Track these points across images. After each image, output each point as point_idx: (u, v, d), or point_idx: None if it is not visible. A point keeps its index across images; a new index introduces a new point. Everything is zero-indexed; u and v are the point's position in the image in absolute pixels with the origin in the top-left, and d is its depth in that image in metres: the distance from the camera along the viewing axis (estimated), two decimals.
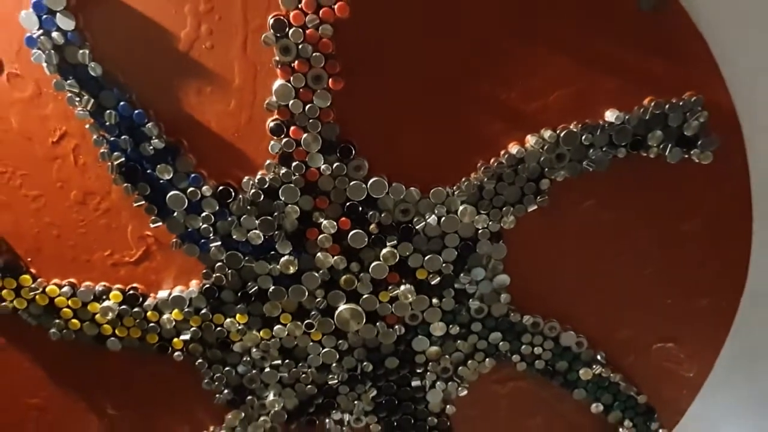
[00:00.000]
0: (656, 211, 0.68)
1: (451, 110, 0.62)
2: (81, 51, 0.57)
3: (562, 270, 0.70)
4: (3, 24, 0.57)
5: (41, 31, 0.56)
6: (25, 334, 0.69)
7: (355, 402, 0.75)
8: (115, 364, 0.71)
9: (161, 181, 0.62)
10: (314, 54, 0.57)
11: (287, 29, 0.57)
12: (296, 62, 0.58)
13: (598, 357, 0.74)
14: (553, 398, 0.77)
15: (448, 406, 0.76)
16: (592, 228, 0.68)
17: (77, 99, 0.58)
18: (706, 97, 0.61)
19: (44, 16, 0.55)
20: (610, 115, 0.62)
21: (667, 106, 0.61)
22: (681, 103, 0.61)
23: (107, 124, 0.59)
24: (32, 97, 0.60)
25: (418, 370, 0.74)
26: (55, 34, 0.56)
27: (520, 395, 0.77)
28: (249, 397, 0.74)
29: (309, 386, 0.73)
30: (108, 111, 0.59)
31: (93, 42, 0.57)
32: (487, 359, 0.73)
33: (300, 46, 0.57)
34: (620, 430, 0.78)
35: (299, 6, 0.56)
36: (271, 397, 0.74)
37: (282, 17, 0.57)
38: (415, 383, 0.74)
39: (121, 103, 0.59)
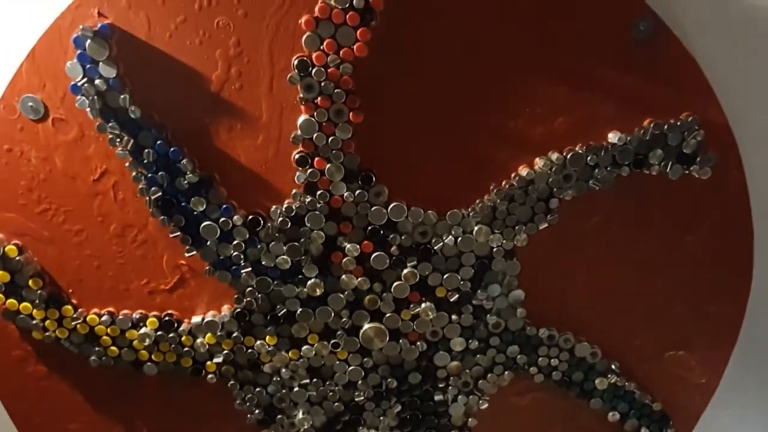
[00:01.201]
0: (661, 225, 0.71)
1: (463, 138, 0.66)
2: (122, 96, 0.61)
3: (574, 284, 0.74)
4: (50, 74, 0.62)
5: (85, 79, 0.61)
6: (66, 362, 0.73)
7: (381, 418, 0.78)
8: (151, 388, 0.75)
9: (195, 213, 0.66)
10: (336, 90, 0.62)
11: (310, 69, 0.61)
12: (319, 98, 0.62)
13: (613, 367, 0.77)
14: (571, 408, 0.80)
15: (470, 419, 0.79)
16: (601, 243, 0.72)
17: (118, 140, 0.63)
18: (702, 116, 0.65)
19: (88, 66, 0.60)
20: (613, 137, 0.66)
21: (665, 127, 0.65)
22: (679, 124, 0.65)
23: (145, 161, 0.64)
24: (75, 140, 0.65)
25: (440, 385, 0.77)
26: (98, 82, 0.61)
27: (539, 407, 0.80)
28: (279, 416, 0.77)
29: (336, 404, 0.76)
30: (146, 150, 0.63)
31: (132, 87, 0.62)
32: (505, 372, 0.76)
33: (322, 84, 0.62)
34: None
35: (321, 47, 0.61)
36: (300, 415, 0.76)
37: (305, 58, 0.61)
38: (437, 398, 0.77)
39: (158, 142, 0.63)
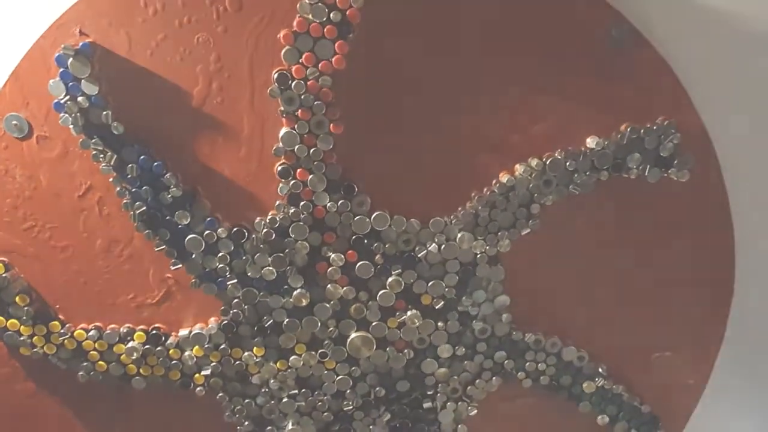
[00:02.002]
0: (642, 228, 0.72)
1: (444, 146, 0.67)
2: (104, 112, 0.62)
3: (559, 288, 0.74)
4: (34, 93, 0.63)
5: (68, 96, 0.61)
6: (54, 378, 0.73)
7: (371, 427, 0.78)
8: (140, 402, 0.75)
9: (180, 227, 0.67)
10: (315, 103, 0.63)
11: (290, 82, 0.62)
12: (299, 111, 0.63)
13: (600, 370, 0.78)
14: (560, 413, 0.80)
15: (459, 426, 0.79)
16: (584, 247, 0.72)
17: (101, 155, 0.64)
18: (678, 120, 0.66)
19: (70, 84, 0.61)
20: (591, 142, 0.67)
21: (642, 131, 0.66)
22: (655, 128, 0.66)
23: (129, 176, 0.64)
24: (60, 156, 0.65)
25: (429, 392, 0.77)
26: (80, 99, 0.62)
27: (528, 412, 0.80)
28: (269, 428, 0.77)
29: (326, 414, 0.76)
30: (129, 165, 0.64)
31: (115, 104, 0.63)
32: (493, 378, 0.77)
33: (302, 96, 0.63)
34: None
35: (300, 60, 0.62)
36: (290, 426, 0.77)
37: (285, 71, 0.62)
38: (426, 405, 0.77)
39: (142, 157, 0.64)
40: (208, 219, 0.67)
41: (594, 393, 0.78)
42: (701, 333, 0.78)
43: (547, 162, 0.67)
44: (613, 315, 0.76)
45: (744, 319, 0.78)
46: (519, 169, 0.67)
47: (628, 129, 0.66)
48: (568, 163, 0.67)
